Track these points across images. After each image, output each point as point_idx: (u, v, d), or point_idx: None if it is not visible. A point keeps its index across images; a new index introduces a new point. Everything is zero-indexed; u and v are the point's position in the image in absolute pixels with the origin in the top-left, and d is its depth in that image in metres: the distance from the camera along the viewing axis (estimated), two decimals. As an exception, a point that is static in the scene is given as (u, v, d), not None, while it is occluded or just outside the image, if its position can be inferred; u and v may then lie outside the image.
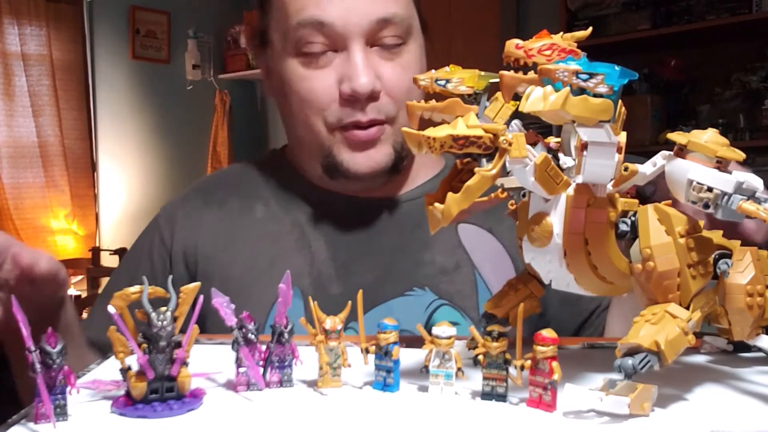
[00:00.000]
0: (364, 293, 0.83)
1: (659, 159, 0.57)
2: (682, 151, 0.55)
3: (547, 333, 0.51)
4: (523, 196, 0.59)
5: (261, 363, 0.57)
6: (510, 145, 0.50)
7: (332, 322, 0.57)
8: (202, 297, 0.54)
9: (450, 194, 0.52)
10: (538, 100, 0.50)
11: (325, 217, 0.92)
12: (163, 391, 0.52)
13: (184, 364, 0.53)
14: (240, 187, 0.96)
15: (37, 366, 0.48)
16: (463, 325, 0.84)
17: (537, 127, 0.56)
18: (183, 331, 0.54)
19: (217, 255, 0.91)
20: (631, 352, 0.51)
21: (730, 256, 0.57)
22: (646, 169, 0.57)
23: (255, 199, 0.94)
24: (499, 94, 0.56)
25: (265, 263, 0.89)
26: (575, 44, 0.54)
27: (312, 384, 0.59)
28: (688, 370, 0.63)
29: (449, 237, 0.90)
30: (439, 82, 0.61)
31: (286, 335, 0.58)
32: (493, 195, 0.62)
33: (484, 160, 0.55)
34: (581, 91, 0.49)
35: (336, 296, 0.87)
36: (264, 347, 0.58)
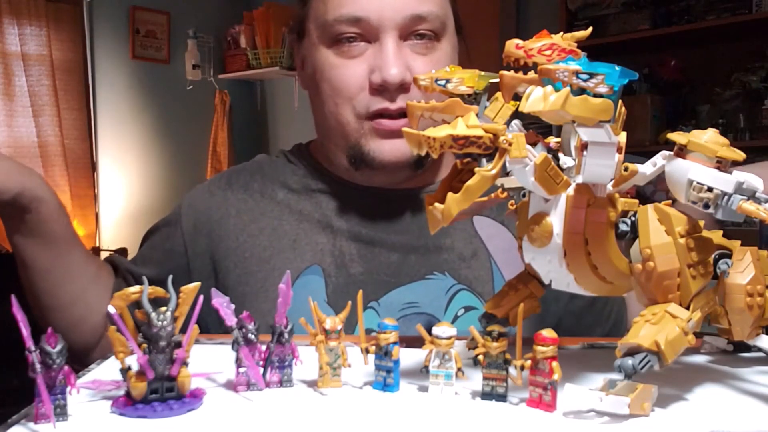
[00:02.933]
0: (386, 274, 0.85)
1: (659, 159, 0.57)
2: (682, 151, 0.55)
3: (547, 333, 0.51)
4: (523, 196, 0.59)
5: (261, 363, 0.57)
6: (510, 145, 0.50)
7: (332, 322, 0.57)
8: (202, 297, 0.54)
9: (450, 194, 0.52)
10: (538, 100, 0.50)
11: (348, 204, 0.94)
12: (163, 391, 0.52)
13: (184, 364, 0.53)
14: (263, 173, 0.99)
15: (37, 366, 0.48)
16: (481, 310, 0.86)
17: (537, 127, 0.56)
18: (183, 331, 0.54)
19: (241, 231, 0.93)
20: (631, 352, 0.51)
21: (730, 256, 0.57)
22: (646, 169, 0.57)
23: (277, 184, 0.97)
24: (499, 94, 0.56)
25: (289, 240, 0.92)
26: (575, 44, 0.54)
27: (312, 384, 0.59)
28: (688, 370, 0.63)
29: (466, 227, 0.93)
30: (439, 82, 0.61)
31: (286, 335, 0.58)
32: (493, 195, 0.62)
33: (484, 160, 0.55)
34: (581, 91, 0.49)
35: (357, 275, 0.89)
36: (264, 347, 0.58)
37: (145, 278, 0.55)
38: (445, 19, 0.89)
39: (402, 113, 0.86)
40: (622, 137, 0.52)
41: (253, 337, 0.57)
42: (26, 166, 0.85)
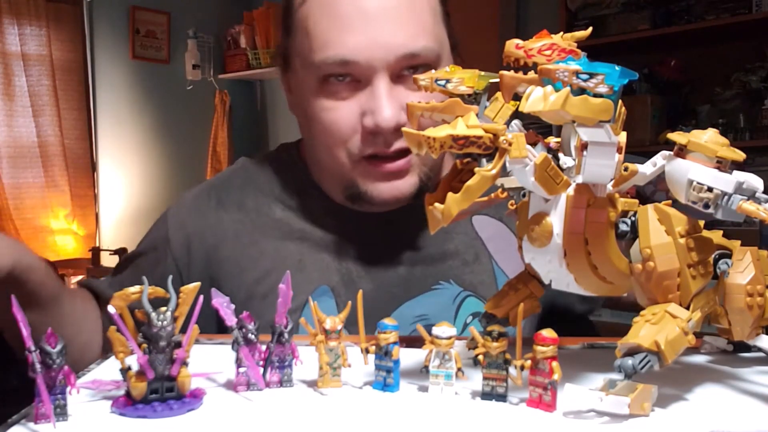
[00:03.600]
0: (395, 289, 0.82)
1: (659, 159, 0.57)
2: (682, 151, 0.55)
3: (547, 333, 0.51)
4: (523, 196, 0.59)
5: (261, 363, 0.57)
6: (510, 145, 0.50)
7: (332, 322, 0.57)
8: (202, 297, 0.54)
9: (450, 194, 0.52)
10: (538, 100, 0.50)
11: (349, 224, 0.90)
12: (163, 391, 0.52)
13: (184, 364, 0.53)
14: (255, 186, 0.94)
15: (37, 366, 0.48)
16: None
17: (537, 127, 0.56)
18: (183, 331, 0.54)
19: (241, 255, 0.89)
20: (631, 352, 0.51)
21: (730, 256, 0.57)
22: (646, 169, 0.57)
23: (272, 198, 0.92)
24: (499, 94, 0.56)
25: (293, 261, 0.88)
26: (575, 44, 0.54)
27: (312, 384, 0.59)
28: (688, 370, 0.63)
29: (467, 229, 0.92)
30: (439, 82, 0.61)
31: (286, 335, 0.58)
32: (493, 195, 0.62)
33: (484, 160, 0.55)
34: (581, 91, 0.49)
35: (367, 292, 0.85)
36: (264, 347, 0.58)
37: (144, 278, 0.55)
38: (440, 50, 0.83)
39: (399, 153, 0.82)
40: (622, 137, 0.52)
41: (253, 337, 0.57)
42: (8, 236, 0.80)
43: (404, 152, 0.82)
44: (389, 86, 0.80)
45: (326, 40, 0.80)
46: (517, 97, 0.54)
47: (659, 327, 0.52)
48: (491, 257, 0.92)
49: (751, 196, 0.53)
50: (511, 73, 0.55)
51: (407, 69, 0.80)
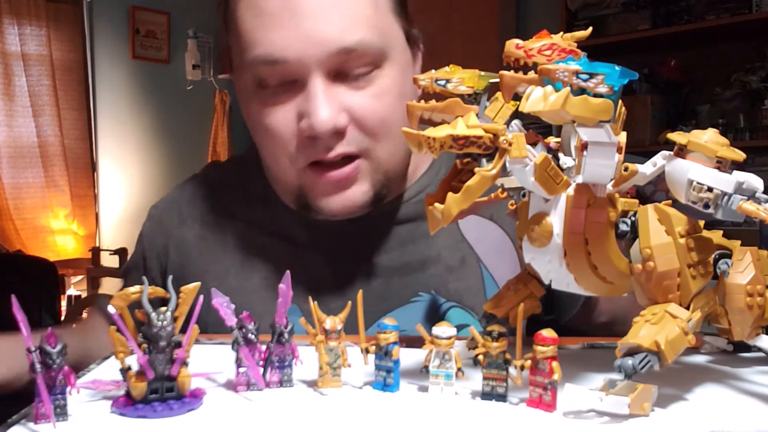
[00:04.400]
0: (368, 305, 0.73)
1: (659, 159, 0.57)
2: (682, 151, 0.55)
3: (547, 333, 0.51)
4: (523, 196, 0.59)
5: (261, 363, 0.57)
6: (510, 145, 0.50)
7: (332, 322, 0.57)
8: (202, 297, 0.54)
9: (450, 194, 0.52)
10: (538, 100, 0.50)
11: (317, 233, 0.85)
12: (163, 391, 0.52)
13: (184, 364, 0.53)
14: (217, 199, 0.89)
15: (37, 366, 0.48)
16: (474, 324, 0.81)
17: (537, 127, 0.56)
18: (183, 331, 0.54)
19: (206, 272, 0.85)
20: (631, 352, 0.51)
21: (730, 256, 0.57)
22: (646, 169, 0.57)
23: (235, 211, 0.88)
24: (499, 94, 0.56)
25: (260, 278, 0.84)
26: (575, 44, 0.54)
27: (312, 384, 0.59)
28: (688, 371, 0.63)
29: (452, 232, 0.86)
30: (439, 82, 0.61)
31: (286, 335, 0.58)
32: (493, 195, 0.62)
33: (484, 160, 0.55)
34: (581, 91, 0.49)
35: (336, 310, 0.83)
36: (264, 347, 0.58)
37: (144, 278, 0.55)
38: (382, 44, 0.75)
39: (345, 158, 0.76)
40: (622, 137, 0.52)
41: (253, 337, 0.57)
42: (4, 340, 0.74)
43: (349, 158, 0.77)
44: (326, 85, 0.74)
45: (254, 38, 0.74)
46: (517, 97, 0.54)
47: (659, 327, 0.52)
48: (479, 260, 0.85)
49: (751, 196, 0.53)
50: (511, 73, 0.55)
51: (352, 67, 0.74)
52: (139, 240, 0.94)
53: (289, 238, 0.86)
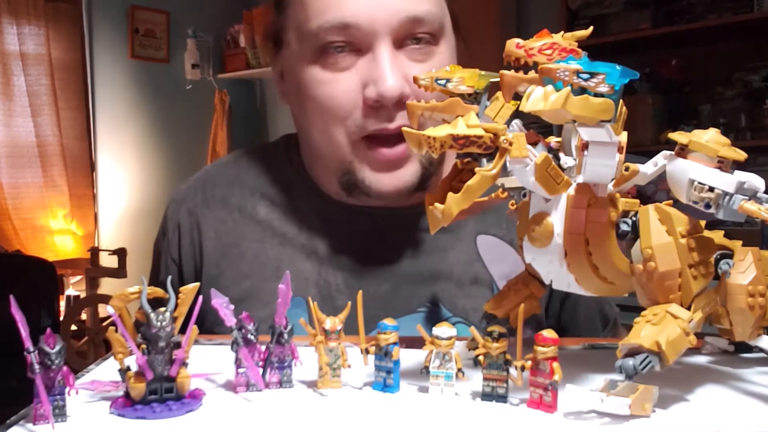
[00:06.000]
0: (375, 308, 0.74)
1: (660, 159, 0.57)
2: (683, 151, 0.55)
3: (548, 333, 0.51)
4: (524, 196, 0.59)
5: (260, 364, 0.57)
6: (510, 144, 0.50)
7: (332, 323, 0.57)
8: (201, 297, 0.54)
9: (450, 194, 0.52)
10: (538, 99, 0.50)
11: (336, 226, 0.86)
12: (162, 391, 0.52)
13: (184, 364, 0.53)
14: (241, 183, 0.90)
15: (36, 366, 0.48)
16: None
17: (537, 127, 0.56)
18: (182, 331, 0.54)
19: (221, 256, 0.86)
20: (632, 352, 0.51)
21: (731, 257, 0.57)
22: (647, 169, 0.57)
23: (257, 196, 0.88)
24: (499, 93, 0.56)
25: (272, 267, 0.84)
26: (576, 43, 0.54)
27: (312, 384, 0.58)
28: (689, 371, 0.63)
29: (468, 248, 0.86)
30: (439, 82, 0.61)
31: (285, 336, 0.58)
32: (493, 195, 0.62)
33: (484, 160, 0.55)
34: (582, 90, 0.49)
35: (342, 308, 0.83)
36: (263, 348, 0.58)
37: (143, 278, 0.55)
38: (443, 18, 0.79)
39: (401, 136, 0.80)
40: (623, 137, 0.52)
41: (252, 337, 0.56)
42: None
43: (402, 138, 0.76)
44: (393, 53, 0.75)
45: (325, 4, 0.75)
46: (518, 97, 0.54)
47: (660, 327, 0.52)
48: (493, 281, 0.84)
49: (753, 195, 0.53)
50: (512, 72, 0.55)
51: (411, 39, 0.77)
52: (163, 222, 0.93)
53: (310, 230, 0.85)
